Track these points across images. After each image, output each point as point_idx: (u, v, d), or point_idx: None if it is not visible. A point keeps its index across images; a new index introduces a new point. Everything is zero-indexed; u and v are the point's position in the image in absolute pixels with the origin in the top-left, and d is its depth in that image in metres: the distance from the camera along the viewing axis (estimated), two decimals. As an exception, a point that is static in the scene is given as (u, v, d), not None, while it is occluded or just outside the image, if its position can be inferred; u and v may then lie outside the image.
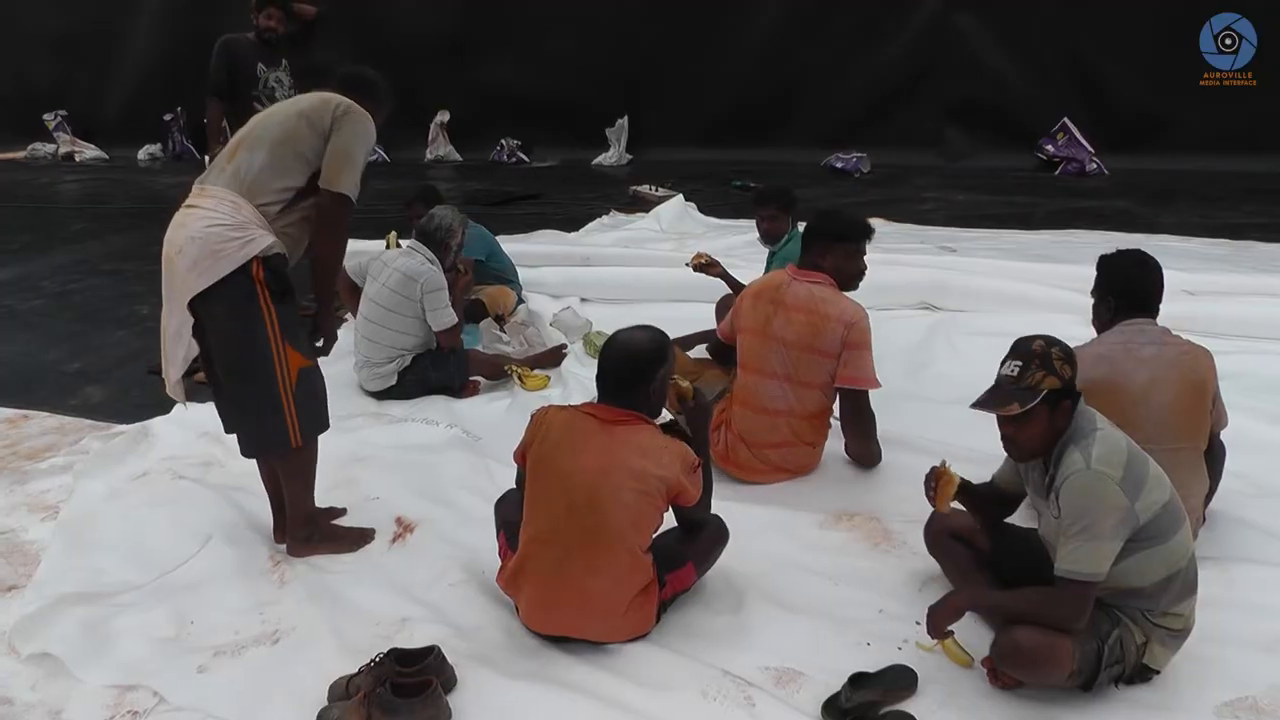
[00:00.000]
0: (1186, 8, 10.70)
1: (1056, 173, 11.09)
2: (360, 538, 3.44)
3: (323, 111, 3.12)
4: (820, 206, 4.00)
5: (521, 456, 2.92)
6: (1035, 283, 5.80)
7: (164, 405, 4.29)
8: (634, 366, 2.80)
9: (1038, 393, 2.48)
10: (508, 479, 3.73)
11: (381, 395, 4.69)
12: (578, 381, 4.73)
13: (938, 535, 3.03)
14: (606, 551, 2.72)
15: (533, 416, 2.92)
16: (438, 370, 4.70)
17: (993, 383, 2.56)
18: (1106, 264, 3.24)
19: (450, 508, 3.64)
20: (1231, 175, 10.29)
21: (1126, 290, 3.18)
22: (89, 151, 14.78)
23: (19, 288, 7.20)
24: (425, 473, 3.89)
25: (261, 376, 3.09)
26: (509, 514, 3.04)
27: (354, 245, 6.55)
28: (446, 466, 3.93)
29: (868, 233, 3.85)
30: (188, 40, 12.19)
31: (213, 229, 2.97)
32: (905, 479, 3.70)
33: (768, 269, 4.93)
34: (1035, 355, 2.51)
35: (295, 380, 3.13)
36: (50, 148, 15.05)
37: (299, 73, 5.87)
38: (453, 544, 3.39)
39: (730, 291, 4.84)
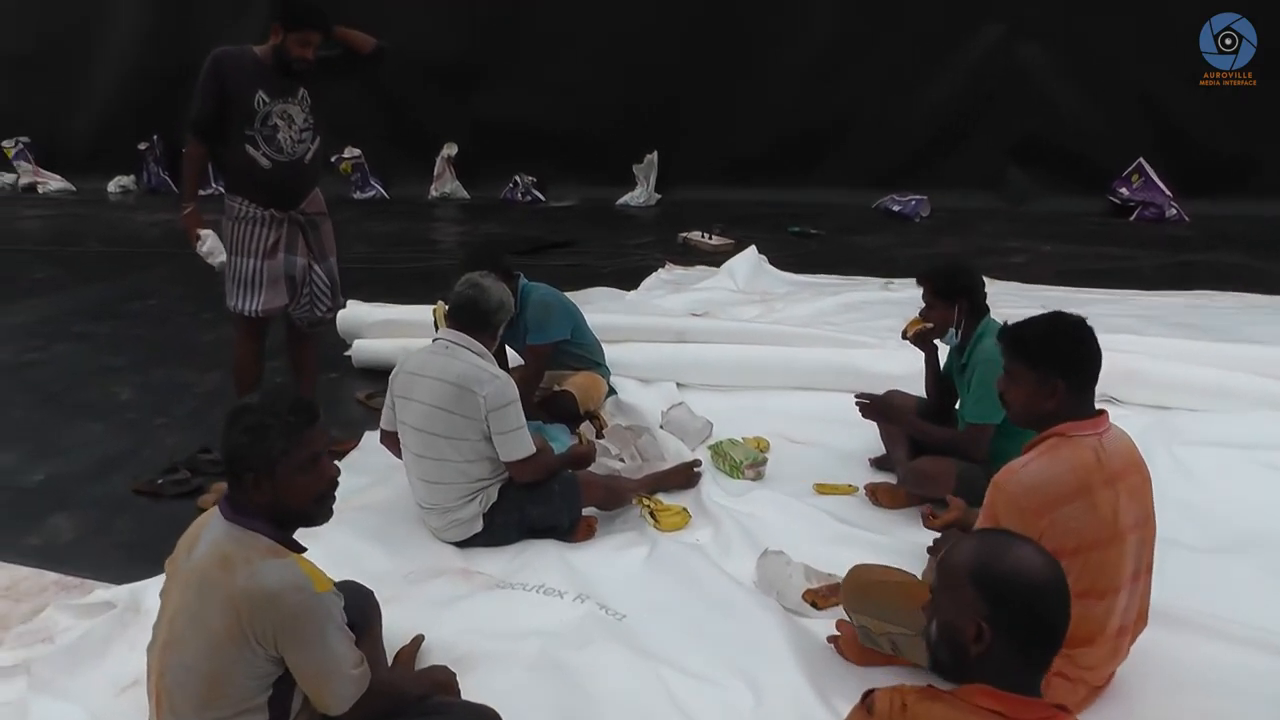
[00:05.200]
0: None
1: (1131, 218, 10.11)
2: None
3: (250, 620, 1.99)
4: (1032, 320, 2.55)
5: None
6: (1235, 369, 4.69)
7: (159, 548, 2.54)
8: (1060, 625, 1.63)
9: None
10: (689, 694, 2.53)
11: (465, 543, 3.39)
12: (730, 517, 3.46)
13: None
14: None
15: (871, 702, 1.68)
16: (538, 504, 3.37)
17: None
18: None
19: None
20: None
21: None
22: (54, 183, 13.45)
23: (-33, 357, 5.88)
24: (567, 686, 2.57)
25: None
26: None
27: (371, 345, 5.09)
28: (598, 676, 2.59)
29: None
30: (167, 60, 11.12)
31: None
32: (1208, 687, 2.56)
33: (943, 374, 3.80)
34: None
35: None
36: (10, 178, 13.71)
37: (320, 110, 4.04)
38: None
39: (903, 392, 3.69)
